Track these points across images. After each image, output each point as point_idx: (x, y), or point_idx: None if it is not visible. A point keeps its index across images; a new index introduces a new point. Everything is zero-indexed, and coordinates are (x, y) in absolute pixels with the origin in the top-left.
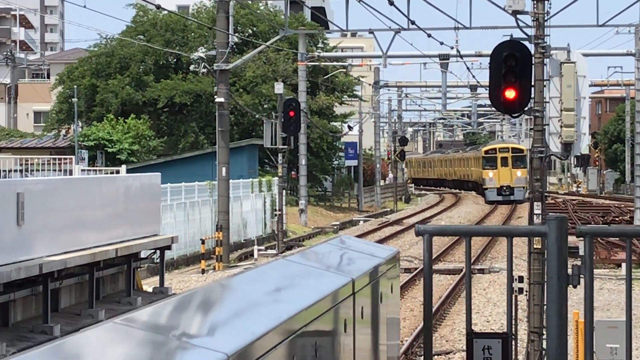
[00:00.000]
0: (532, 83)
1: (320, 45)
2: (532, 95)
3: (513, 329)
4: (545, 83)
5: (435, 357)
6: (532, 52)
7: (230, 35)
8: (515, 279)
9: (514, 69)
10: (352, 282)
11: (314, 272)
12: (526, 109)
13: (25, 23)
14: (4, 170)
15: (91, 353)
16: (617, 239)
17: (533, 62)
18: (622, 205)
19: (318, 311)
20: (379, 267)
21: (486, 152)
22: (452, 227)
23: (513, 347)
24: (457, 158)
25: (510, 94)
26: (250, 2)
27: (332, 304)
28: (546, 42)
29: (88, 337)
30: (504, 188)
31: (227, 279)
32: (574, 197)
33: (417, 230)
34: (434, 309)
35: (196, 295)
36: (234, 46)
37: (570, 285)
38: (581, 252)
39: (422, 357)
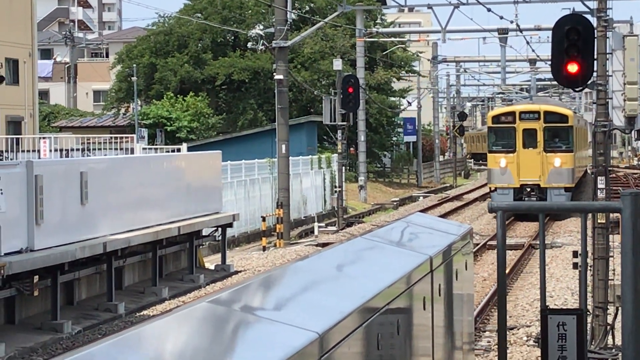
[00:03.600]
0: (595, 57)
1: (378, 21)
2: (595, 69)
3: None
4: (608, 56)
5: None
6: (595, 25)
7: (288, 12)
8: (580, 254)
9: (577, 43)
10: (430, 260)
11: (392, 250)
12: (589, 82)
13: (83, 2)
14: (65, 150)
15: (186, 333)
16: None
17: (595, 36)
18: None
19: (399, 289)
20: (453, 244)
21: (495, 118)
22: (526, 203)
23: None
24: None
25: (572, 67)
26: None
27: (411, 281)
28: (609, 15)
29: (181, 317)
30: (528, 190)
31: (309, 257)
32: (635, 171)
33: (491, 207)
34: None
35: (280, 274)
36: (292, 23)
37: None
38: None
39: (485, 333)
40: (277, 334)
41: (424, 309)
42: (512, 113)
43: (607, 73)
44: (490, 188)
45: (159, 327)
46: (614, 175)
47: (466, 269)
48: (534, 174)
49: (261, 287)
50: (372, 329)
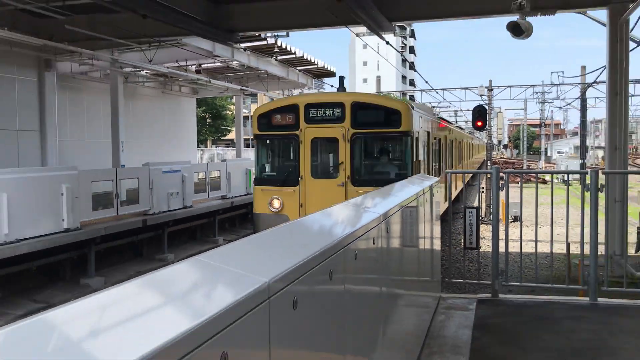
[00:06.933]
0: (488, 119)
1: None
2: (487, 123)
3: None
4: (491, 118)
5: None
6: (487, 109)
7: None
8: (482, 188)
9: (481, 115)
10: (423, 190)
11: (401, 187)
12: (486, 129)
13: None
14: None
15: (175, 283)
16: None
17: (488, 112)
18: (520, 162)
19: (413, 199)
20: (432, 185)
21: (263, 120)
22: (461, 170)
23: (482, 214)
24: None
25: (479, 123)
26: None
27: (416, 197)
28: (492, 106)
29: (170, 271)
30: None
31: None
32: (503, 159)
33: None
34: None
35: (263, 236)
36: None
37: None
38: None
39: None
40: (235, 281)
41: (422, 207)
42: (293, 108)
43: (491, 125)
44: None
45: (139, 285)
46: (495, 161)
47: (437, 193)
48: None
49: (240, 247)
50: (397, 216)
